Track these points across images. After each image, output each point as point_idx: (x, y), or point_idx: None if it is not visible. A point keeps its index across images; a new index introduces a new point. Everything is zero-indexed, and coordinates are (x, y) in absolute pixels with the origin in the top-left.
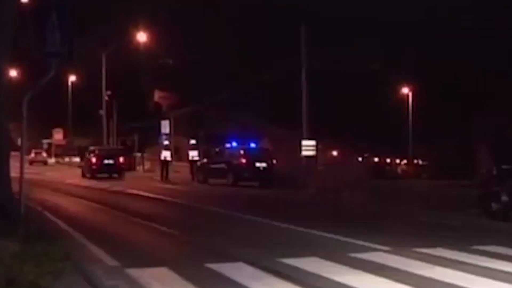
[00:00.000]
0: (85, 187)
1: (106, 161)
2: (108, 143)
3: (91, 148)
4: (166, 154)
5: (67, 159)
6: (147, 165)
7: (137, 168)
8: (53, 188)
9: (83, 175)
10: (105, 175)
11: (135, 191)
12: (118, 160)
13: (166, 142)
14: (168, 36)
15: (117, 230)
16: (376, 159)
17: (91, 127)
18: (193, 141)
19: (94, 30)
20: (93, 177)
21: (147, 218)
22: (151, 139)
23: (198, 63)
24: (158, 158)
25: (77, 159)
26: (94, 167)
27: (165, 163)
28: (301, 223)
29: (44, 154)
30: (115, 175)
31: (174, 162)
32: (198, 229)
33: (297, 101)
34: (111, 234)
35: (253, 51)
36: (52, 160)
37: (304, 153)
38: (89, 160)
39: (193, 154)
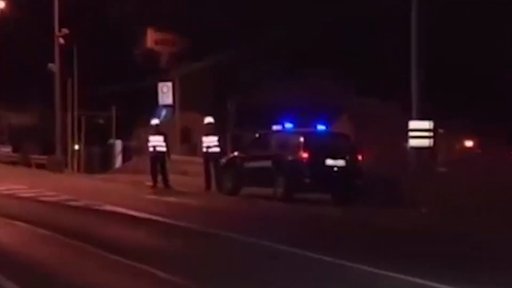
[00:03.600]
0: (26, 200)
1: None
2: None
3: None
4: (156, 142)
5: None
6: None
7: (116, 164)
8: None
9: None
10: None
11: (115, 208)
12: None
13: (154, 121)
14: None
15: (82, 277)
16: None
17: (35, 95)
18: (209, 119)
19: None
20: None
21: (134, 256)
22: (141, 115)
23: None
24: (146, 149)
25: (7, 149)
26: None
27: (156, 157)
28: (412, 270)
29: None
30: None
31: (175, 156)
32: (224, 277)
33: (401, 55)
34: (70, 285)
35: None
36: None
37: (412, 143)
38: None
39: (210, 143)
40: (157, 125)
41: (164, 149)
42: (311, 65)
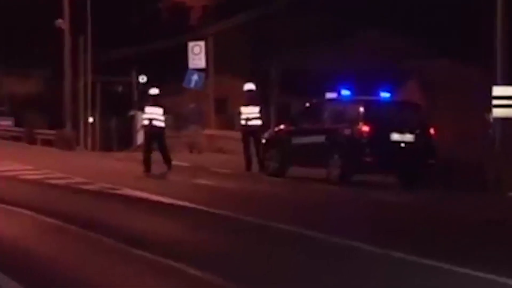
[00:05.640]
0: (31, 183)
1: None
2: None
3: None
4: (153, 115)
5: None
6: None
7: (138, 141)
8: None
9: None
10: None
11: (136, 192)
12: None
13: (154, 91)
14: None
15: (99, 277)
16: None
17: (41, 58)
18: (249, 86)
19: None
20: None
21: (161, 251)
22: (168, 81)
23: None
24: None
25: (8, 123)
26: None
27: (152, 133)
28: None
29: None
30: None
31: (210, 130)
32: (274, 280)
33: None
34: (88, 286)
35: None
36: None
37: (496, 113)
38: None
39: (250, 114)
40: (156, 95)
41: (163, 124)
42: (371, 21)
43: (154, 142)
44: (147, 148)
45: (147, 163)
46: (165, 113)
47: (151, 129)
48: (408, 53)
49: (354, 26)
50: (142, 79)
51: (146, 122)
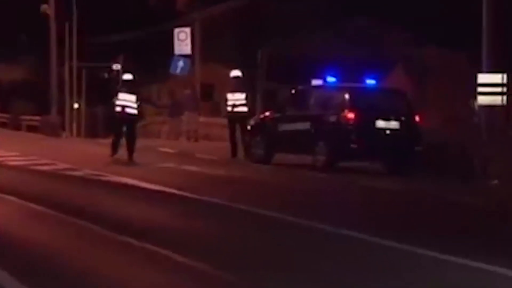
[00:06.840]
0: (17, 169)
1: None
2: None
3: None
4: (126, 102)
5: None
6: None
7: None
8: None
9: None
10: None
11: (122, 179)
12: None
13: (127, 76)
14: None
15: (85, 263)
16: None
17: (26, 43)
18: (235, 73)
19: None
20: None
21: (147, 237)
22: (154, 67)
23: None
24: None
25: None
26: None
27: (123, 120)
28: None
29: None
30: None
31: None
32: (261, 267)
33: None
34: (72, 272)
35: None
36: None
37: (481, 100)
38: None
39: (236, 101)
40: (131, 81)
41: (135, 111)
42: (359, 9)
43: (125, 127)
44: (117, 132)
45: (114, 146)
46: (138, 100)
47: (123, 116)
48: (396, 40)
49: (341, 13)
50: (116, 67)
51: (118, 109)
